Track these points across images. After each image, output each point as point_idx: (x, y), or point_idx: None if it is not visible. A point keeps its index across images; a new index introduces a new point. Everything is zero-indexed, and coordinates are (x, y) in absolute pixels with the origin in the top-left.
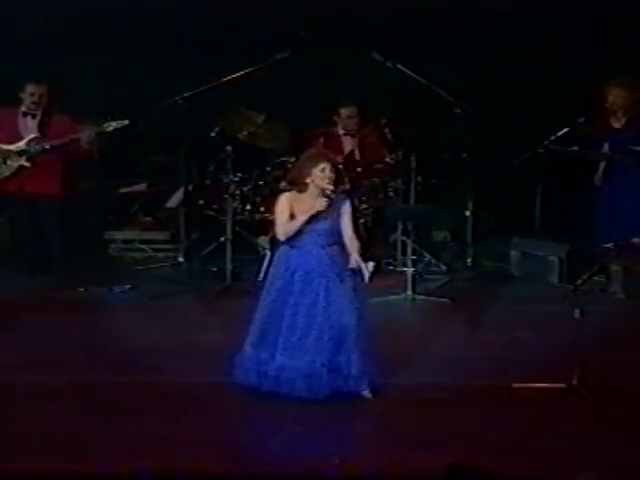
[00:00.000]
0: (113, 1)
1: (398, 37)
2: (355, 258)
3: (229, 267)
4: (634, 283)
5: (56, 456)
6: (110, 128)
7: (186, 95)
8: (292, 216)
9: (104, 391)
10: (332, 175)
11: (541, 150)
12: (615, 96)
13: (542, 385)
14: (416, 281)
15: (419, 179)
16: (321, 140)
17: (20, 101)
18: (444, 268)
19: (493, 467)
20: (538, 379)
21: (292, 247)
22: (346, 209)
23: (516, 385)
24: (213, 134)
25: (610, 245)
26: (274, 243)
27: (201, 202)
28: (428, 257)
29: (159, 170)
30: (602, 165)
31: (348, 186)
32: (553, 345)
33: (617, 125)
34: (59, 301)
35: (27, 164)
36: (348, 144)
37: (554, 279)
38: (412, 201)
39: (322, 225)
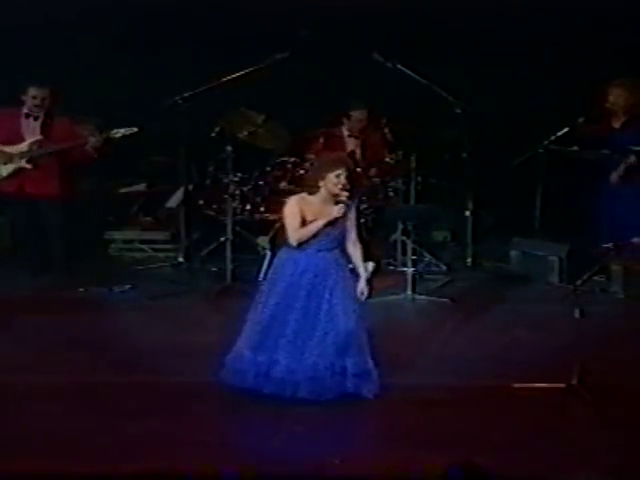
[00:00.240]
0: (113, 1)
1: (398, 37)
2: (361, 286)
3: (229, 267)
4: (634, 283)
5: (56, 456)
6: (119, 135)
7: (186, 95)
8: (302, 220)
9: (104, 391)
10: (346, 182)
11: (541, 150)
12: (616, 96)
13: (542, 385)
14: (416, 281)
15: (419, 179)
16: (321, 140)
17: (22, 102)
18: (444, 268)
19: (493, 467)
20: (538, 379)
21: (298, 250)
22: (352, 213)
23: (516, 385)
24: (213, 134)
25: (610, 245)
26: (274, 243)
27: (201, 202)
28: (428, 257)
29: (159, 170)
30: (622, 166)
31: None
32: (553, 345)
33: (617, 125)
34: (59, 301)
35: (28, 166)
36: (351, 145)
37: (554, 279)
38: (412, 201)
39: (333, 230)
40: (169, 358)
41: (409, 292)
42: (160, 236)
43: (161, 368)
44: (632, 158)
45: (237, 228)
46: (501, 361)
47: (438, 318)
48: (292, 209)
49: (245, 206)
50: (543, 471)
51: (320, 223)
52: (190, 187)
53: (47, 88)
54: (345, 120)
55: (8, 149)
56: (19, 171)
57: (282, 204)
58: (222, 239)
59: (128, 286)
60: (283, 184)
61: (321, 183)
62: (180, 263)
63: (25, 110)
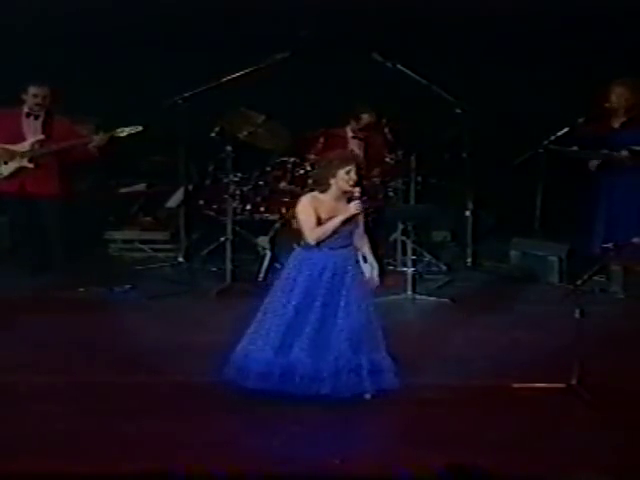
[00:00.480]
0: (113, 1)
1: (398, 37)
2: (373, 275)
3: (229, 267)
4: (634, 283)
5: (56, 456)
6: (124, 134)
7: (186, 95)
8: (317, 218)
9: (104, 391)
10: (356, 178)
11: (541, 150)
12: (618, 95)
13: (542, 385)
14: (416, 281)
15: (419, 179)
16: (321, 140)
17: (22, 102)
18: (444, 268)
19: (493, 467)
20: (538, 379)
21: (314, 249)
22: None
23: (516, 385)
24: (213, 134)
25: (610, 245)
26: (274, 243)
27: (201, 202)
28: (428, 257)
29: (159, 170)
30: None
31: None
32: (553, 345)
33: (617, 125)
34: (59, 301)
35: (30, 165)
36: (353, 146)
37: (554, 279)
38: (412, 201)
39: (347, 227)
40: (169, 358)
41: (409, 292)
42: (160, 236)
43: (161, 368)
44: (624, 153)
45: (237, 228)
46: (501, 361)
47: (438, 318)
48: (306, 208)
49: (245, 206)
50: (543, 471)
51: (337, 221)
52: (190, 187)
53: (47, 87)
54: (353, 121)
55: (10, 148)
56: (20, 170)
57: (282, 204)
58: (222, 239)
59: (128, 286)
60: (283, 184)
61: (332, 181)
62: (180, 263)
63: (26, 109)
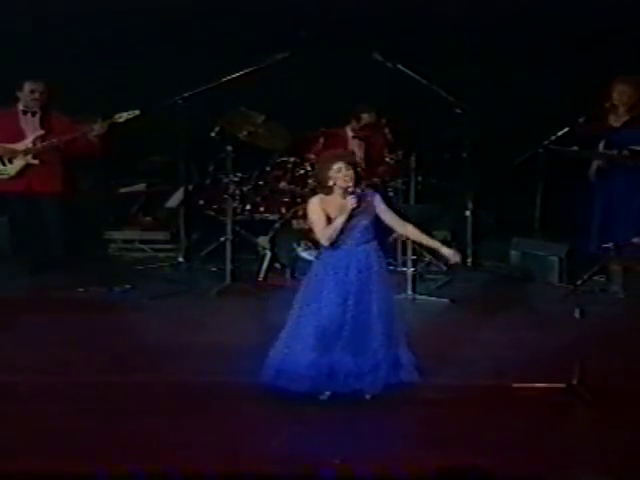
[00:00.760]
0: (113, 1)
1: (398, 37)
2: (446, 250)
3: (229, 267)
4: (634, 283)
5: (56, 456)
6: (122, 119)
7: (186, 95)
8: (327, 219)
9: (104, 391)
10: (349, 172)
11: (541, 150)
12: (620, 92)
13: (542, 385)
14: (416, 281)
15: (419, 179)
16: (321, 140)
17: (16, 100)
18: (444, 268)
19: (493, 467)
20: (538, 379)
21: (337, 248)
22: (379, 203)
23: (516, 385)
24: (213, 134)
25: (610, 245)
26: (274, 243)
27: (201, 202)
28: (428, 257)
29: (159, 170)
30: (595, 162)
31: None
32: (553, 345)
33: (617, 124)
34: (59, 301)
35: (35, 161)
36: (353, 145)
37: (554, 279)
38: (412, 201)
39: (362, 222)
40: (169, 358)
41: (409, 292)
42: (160, 236)
43: (161, 368)
44: (624, 153)
45: (237, 228)
46: (501, 361)
47: (438, 318)
48: (315, 211)
49: (245, 206)
50: (543, 471)
51: (342, 218)
52: (190, 187)
53: (42, 82)
54: (353, 121)
55: (13, 146)
56: (26, 168)
57: (282, 204)
58: (222, 239)
59: (128, 286)
60: (283, 184)
61: (331, 182)
62: (180, 263)
63: (21, 107)
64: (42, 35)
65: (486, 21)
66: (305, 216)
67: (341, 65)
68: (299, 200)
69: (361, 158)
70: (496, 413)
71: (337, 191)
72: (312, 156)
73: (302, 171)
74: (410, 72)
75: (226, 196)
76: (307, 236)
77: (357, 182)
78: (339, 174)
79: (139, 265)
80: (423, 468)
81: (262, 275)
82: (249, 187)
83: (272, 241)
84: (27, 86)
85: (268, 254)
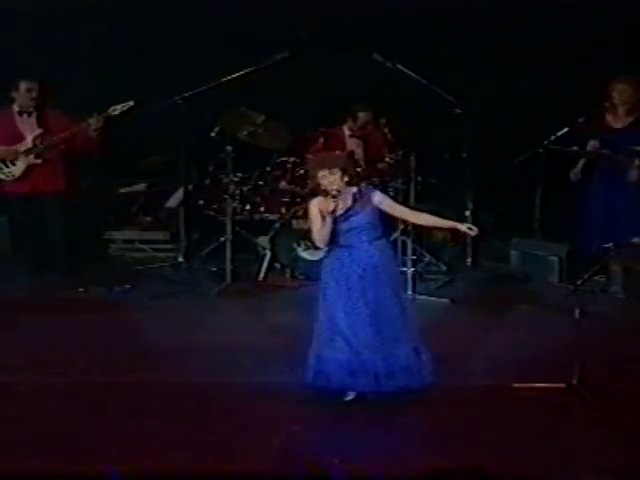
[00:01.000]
0: (113, 1)
1: (398, 37)
2: (460, 226)
3: (229, 267)
4: (634, 283)
5: (56, 456)
6: (116, 112)
7: (186, 95)
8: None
9: (104, 391)
10: (334, 177)
11: (541, 150)
12: (620, 91)
13: (542, 385)
14: (416, 281)
15: (419, 179)
16: (321, 140)
17: (10, 101)
18: (444, 268)
19: (493, 467)
20: (538, 379)
21: (341, 247)
22: (380, 199)
23: (516, 385)
24: (213, 134)
25: (610, 245)
26: (274, 243)
27: (201, 202)
28: (428, 257)
29: (159, 170)
30: (581, 162)
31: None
32: (553, 345)
33: (619, 125)
34: (59, 301)
35: (38, 161)
36: (351, 145)
37: (554, 279)
38: (412, 201)
39: (359, 221)
40: (169, 358)
41: (409, 292)
42: (160, 236)
43: (161, 368)
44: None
45: (237, 228)
46: (501, 361)
47: (438, 318)
48: (312, 213)
49: (245, 206)
50: (543, 471)
51: (328, 221)
52: (190, 187)
53: (36, 81)
54: (350, 120)
55: (13, 148)
56: (30, 169)
57: (282, 204)
58: (222, 239)
59: (128, 286)
60: (283, 184)
61: (322, 187)
62: (180, 263)
63: (17, 108)
64: (42, 35)
65: (486, 21)
66: (305, 216)
67: (341, 65)
68: (299, 200)
69: (360, 157)
70: (496, 413)
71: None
72: (312, 156)
73: (302, 171)
74: (410, 72)
75: (226, 196)
76: (307, 236)
77: (351, 183)
78: (324, 180)
79: (139, 265)
80: (423, 468)
81: (262, 275)
82: (249, 187)
83: (272, 241)
84: (23, 85)
85: (268, 254)
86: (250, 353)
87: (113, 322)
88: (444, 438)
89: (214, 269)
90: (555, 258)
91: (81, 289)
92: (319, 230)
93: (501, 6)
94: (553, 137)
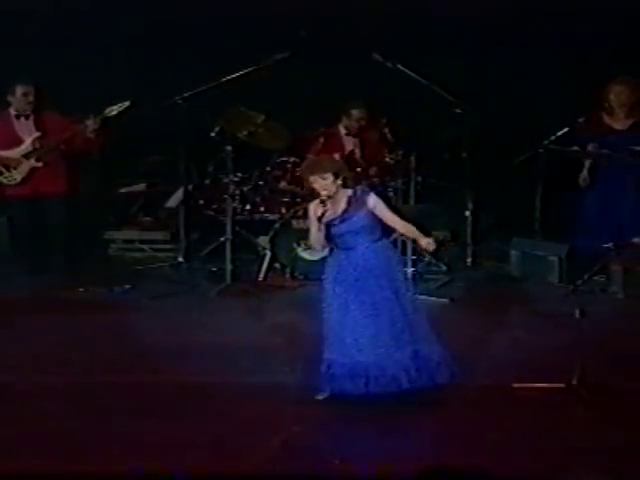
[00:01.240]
0: (113, 1)
1: (398, 37)
2: (425, 241)
3: (229, 267)
4: (634, 283)
5: (56, 456)
6: (113, 112)
7: (186, 95)
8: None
9: (104, 391)
10: (324, 182)
11: (541, 150)
12: (617, 93)
13: (542, 385)
14: (416, 281)
15: (419, 179)
16: (321, 140)
17: (7, 105)
18: (444, 268)
19: (493, 467)
20: (538, 379)
21: (339, 250)
22: (374, 203)
23: (516, 385)
24: (213, 134)
25: (610, 245)
26: (274, 243)
27: (201, 202)
28: (428, 257)
29: (159, 170)
30: (587, 166)
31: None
32: (553, 345)
33: (619, 126)
34: (59, 301)
35: (39, 164)
36: (349, 144)
37: (554, 279)
38: (412, 201)
39: (354, 224)
40: (169, 358)
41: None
42: (160, 236)
43: (161, 368)
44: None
45: (237, 228)
46: (501, 361)
47: (438, 318)
48: (310, 215)
49: (245, 206)
50: (543, 471)
51: (321, 226)
52: (190, 187)
53: (31, 84)
54: (344, 118)
55: (13, 153)
56: (31, 172)
57: (282, 204)
58: (222, 239)
59: (128, 286)
60: (283, 184)
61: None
62: (180, 263)
63: (13, 112)
64: (41, 35)
65: (486, 21)
66: (305, 216)
67: (341, 65)
68: (299, 200)
69: (358, 156)
70: (496, 413)
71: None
72: (310, 157)
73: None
74: (410, 72)
75: (226, 196)
76: (307, 236)
77: (346, 185)
78: (315, 185)
79: (139, 265)
80: (423, 468)
81: (262, 275)
82: (249, 187)
83: (272, 241)
84: (19, 90)
85: (268, 254)
86: (250, 353)
87: (113, 322)
88: (444, 438)
89: (214, 269)
90: (555, 258)
91: (81, 289)
92: (314, 233)
93: (501, 6)
94: (553, 137)
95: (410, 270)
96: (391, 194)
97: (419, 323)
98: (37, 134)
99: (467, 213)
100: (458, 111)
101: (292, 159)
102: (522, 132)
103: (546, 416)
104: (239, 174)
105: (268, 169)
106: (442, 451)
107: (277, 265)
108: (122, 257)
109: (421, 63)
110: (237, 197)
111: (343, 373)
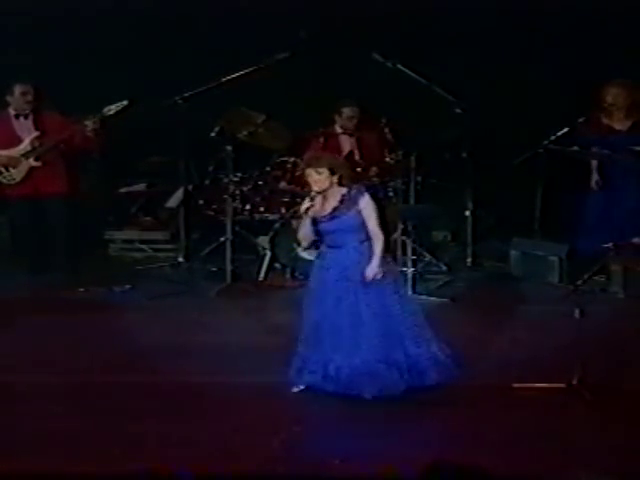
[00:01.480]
0: (113, 1)
1: (398, 37)
2: (370, 268)
3: (229, 267)
4: (634, 283)
5: (56, 456)
6: (111, 112)
7: (186, 95)
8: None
9: (104, 391)
10: (318, 177)
11: (541, 150)
12: (615, 95)
13: (542, 385)
14: (416, 281)
15: (419, 179)
16: (321, 140)
17: (6, 104)
18: (444, 268)
19: (493, 467)
20: (538, 379)
21: (328, 247)
22: (364, 205)
23: (516, 385)
24: (213, 134)
25: (610, 245)
26: (274, 243)
27: (201, 202)
28: (428, 257)
29: (159, 170)
30: (595, 168)
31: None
32: (553, 345)
33: (619, 126)
34: (59, 301)
35: (37, 163)
36: (347, 143)
37: (554, 279)
38: (412, 201)
39: (343, 222)
40: (169, 358)
41: (409, 292)
42: (160, 236)
43: (161, 368)
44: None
45: (237, 228)
46: (501, 361)
47: (438, 318)
48: (301, 210)
49: (245, 206)
50: (543, 471)
51: (307, 221)
52: (190, 187)
53: (29, 84)
54: (337, 117)
55: (11, 152)
56: (30, 172)
57: (282, 204)
58: (222, 239)
59: (128, 286)
60: (283, 184)
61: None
62: (180, 263)
63: (13, 111)
64: (41, 35)
65: (486, 21)
66: None
67: (341, 65)
68: (299, 200)
69: (358, 156)
70: (496, 413)
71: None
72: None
73: (302, 171)
74: (410, 72)
75: (226, 196)
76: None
77: (342, 184)
78: (310, 178)
79: (139, 265)
80: (423, 468)
81: (262, 275)
82: (249, 187)
83: (272, 241)
84: (18, 89)
85: (268, 254)
86: (250, 353)
87: (113, 322)
88: (444, 438)
89: (214, 269)
90: (555, 258)
91: (81, 289)
92: (301, 227)
93: (501, 6)
94: (553, 137)
95: (410, 270)
96: (391, 194)
97: (407, 324)
98: (36, 133)
99: (467, 213)
100: (458, 111)
101: (292, 159)
102: (522, 132)
103: (546, 416)
104: (239, 174)
105: (268, 169)
106: (442, 451)
107: (277, 265)
108: (122, 257)
109: (421, 63)
110: (237, 197)
111: (317, 370)
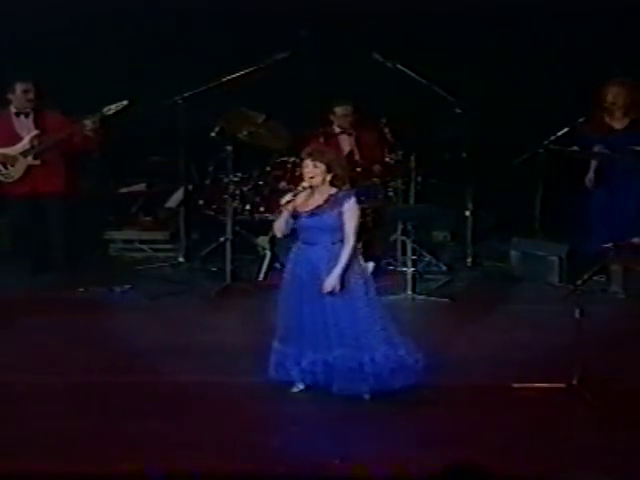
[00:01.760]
0: (113, 1)
1: (398, 37)
2: (328, 281)
3: (229, 267)
4: (634, 283)
5: (56, 456)
6: (111, 111)
7: (186, 95)
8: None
9: (103, 391)
10: (313, 169)
11: (541, 150)
12: (615, 95)
13: (542, 385)
14: (416, 281)
15: (419, 179)
16: (321, 140)
17: (7, 103)
18: (444, 268)
19: (493, 467)
20: (538, 379)
21: (303, 243)
22: (348, 207)
23: (516, 385)
24: (213, 134)
25: (610, 245)
26: (274, 243)
27: (201, 202)
28: (428, 257)
29: (159, 170)
30: (593, 167)
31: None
32: (553, 345)
33: (618, 126)
34: (59, 301)
35: (36, 162)
36: (345, 143)
37: (554, 279)
38: (412, 201)
39: (322, 221)
40: (169, 358)
41: (409, 292)
42: (160, 236)
43: (161, 368)
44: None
45: (237, 228)
46: (501, 361)
47: (438, 318)
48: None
49: (245, 206)
50: (543, 471)
51: (285, 214)
52: (190, 187)
53: (30, 82)
54: (332, 117)
55: (10, 151)
56: (29, 170)
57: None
58: (222, 239)
59: (128, 286)
60: (283, 184)
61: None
62: (180, 263)
63: (14, 110)
64: (43, 33)
65: (486, 21)
66: None
67: (341, 65)
68: None
69: (358, 156)
70: (496, 413)
71: (320, 187)
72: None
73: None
74: (410, 72)
75: (226, 196)
76: None
77: (334, 184)
78: (305, 169)
79: (139, 265)
80: (423, 468)
81: (262, 275)
82: (249, 187)
83: (272, 241)
84: (19, 87)
85: (268, 254)
86: (250, 353)
87: (113, 322)
88: (444, 438)
89: (214, 269)
90: (555, 258)
91: (81, 289)
92: (277, 219)
93: (501, 6)
94: (553, 137)
95: (410, 270)
96: (391, 194)
97: (375, 327)
98: (35, 132)
99: (467, 213)
100: (458, 111)
101: (292, 159)
102: (522, 132)
103: (546, 416)
104: (239, 174)
105: (268, 169)
106: (442, 451)
107: (277, 265)
108: (122, 257)
109: (421, 63)
110: (237, 197)
111: (292, 365)
